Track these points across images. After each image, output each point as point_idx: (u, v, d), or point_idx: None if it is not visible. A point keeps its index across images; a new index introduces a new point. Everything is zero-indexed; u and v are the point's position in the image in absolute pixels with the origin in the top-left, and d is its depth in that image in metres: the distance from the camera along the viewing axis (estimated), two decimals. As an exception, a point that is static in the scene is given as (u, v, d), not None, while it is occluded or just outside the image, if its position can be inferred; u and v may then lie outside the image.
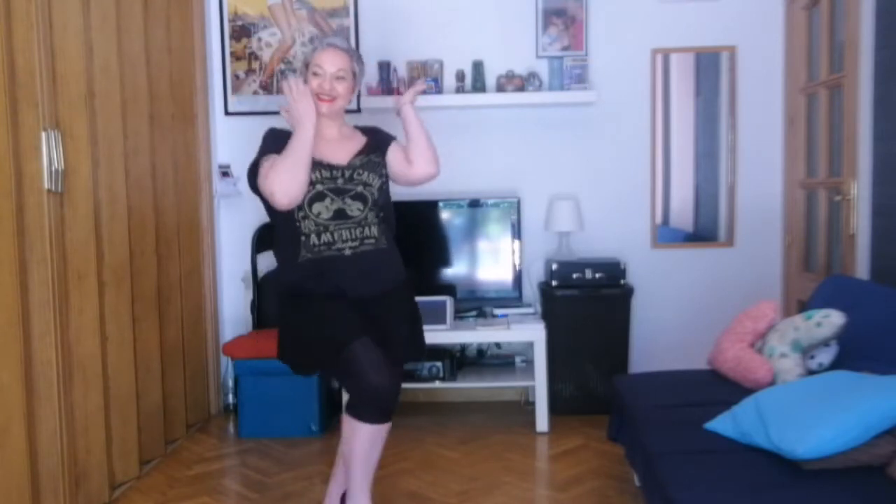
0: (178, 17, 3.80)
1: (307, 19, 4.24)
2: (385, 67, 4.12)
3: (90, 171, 2.91)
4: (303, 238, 2.52)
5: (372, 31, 4.22)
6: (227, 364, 4.25)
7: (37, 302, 2.61)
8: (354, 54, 2.64)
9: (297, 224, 2.52)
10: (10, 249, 2.46)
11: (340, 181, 2.55)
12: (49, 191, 2.65)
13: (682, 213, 4.29)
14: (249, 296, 4.19)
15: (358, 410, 2.46)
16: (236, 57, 4.28)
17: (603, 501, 2.98)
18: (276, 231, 2.63)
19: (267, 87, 4.28)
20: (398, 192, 4.13)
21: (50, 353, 2.65)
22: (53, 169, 2.66)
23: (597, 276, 3.96)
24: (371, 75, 4.18)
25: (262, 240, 4.18)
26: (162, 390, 3.53)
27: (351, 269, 2.53)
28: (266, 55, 4.26)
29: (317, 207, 2.51)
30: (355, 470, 2.52)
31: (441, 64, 4.15)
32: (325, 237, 2.52)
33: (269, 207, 2.57)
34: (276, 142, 2.58)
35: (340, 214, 2.53)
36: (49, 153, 2.64)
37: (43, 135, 2.62)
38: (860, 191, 3.28)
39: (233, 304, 4.36)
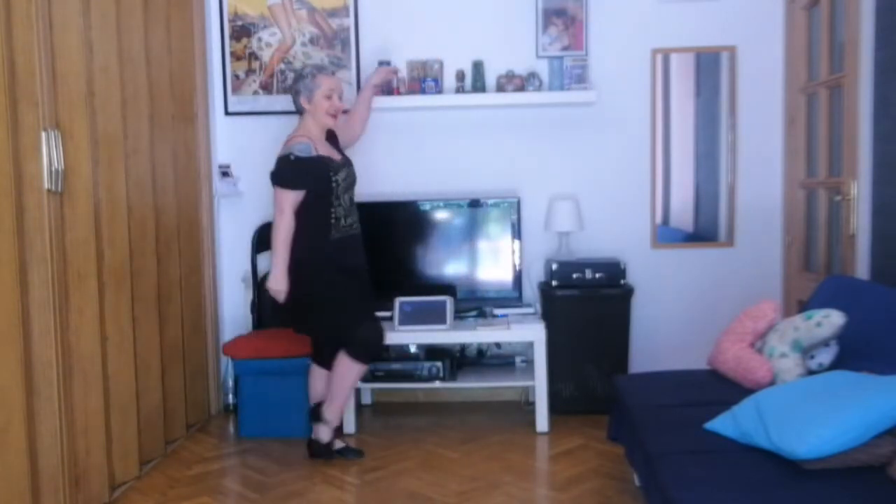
0: (178, 17, 3.80)
1: (307, 19, 4.24)
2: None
3: (90, 171, 2.91)
4: (333, 220, 3.27)
5: (372, 31, 4.22)
6: (227, 364, 4.25)
7: (37, 302, 2.61)
8: None
9: (332, 209, 3.27)
10: (10, 249, 2.46)
11: (350, 177, 3.42)
12: (49, 191, 2.65)
13: (682, 213, 4.29)
14: (249, 296, 4.19)
15: (361, 357, 3.35)
16: (236, 57, 4.28)
17: (603, 501, 2.98)
18: (306, 216, 3.25)
19: (267, 87, 4.28)
20: (398, 192, 4.16)
21: (50, 353, 2.65)
22: (53, 169, 2.66)
23: (597, 276, 3.96)
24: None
25: (262, 240, 4.17)
26: (162, 390, 3.53)
27: (358, 244, 3.42)
28: (266, 55, 4.26)
29: (344, 197, 3.32)
30: (344, 395, 3.45)
31: (441, 64, 4.15)
32: (350, 219, 3.35)
33: (304, 202, 3.26)
34: (305, 176, 3.25)
35: (351, 201, 3.40)
36: (49, 153, 2.64)
37: (43, 135, 2.61)
38: (860, 191, 3.28)
39: (233, 304, 4.36)
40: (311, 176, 3.25)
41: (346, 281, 3.32)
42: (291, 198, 3.24)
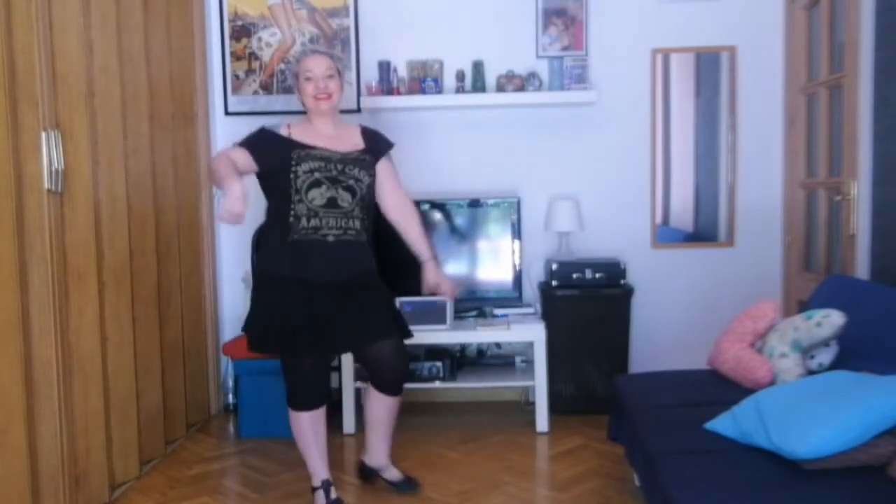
0: (178, 17, 3.80)
1: (307, 19, 4.24)
2: (385, 67, 4.12)
3: (90, 171, 2.91)
4: (292, 220, 2.76)
5: (372, 31, 4.22)
6: (227, 364, 4.25)
7: (37, 302, 2.61)
8: (333, 56, 2.96)
9: (292, 206, 2.76)
10: (10, 249, 2.46)
11: (335, 171, 2.79)
12: (49, 191, 2.65)
13: (682, 213, 4.29)
14: (249, 296, 4.19)
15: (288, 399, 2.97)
16: (236, 57, 4.28)
17: (603, 501, 2.98)
18: (269, 210, 2.87)
19: (267, 87, 4.28)
20: (398, 192, 4.16)
21: (50, 353, 2.65)
22: (53, 169, 2.66)
23: (597, 276, 3.96)
24: (371, 75, 4.18)
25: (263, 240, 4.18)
26: (162, 390, 3.53)
27: (328, 254, 2.78)
28: (266, 55, 4.27)
29: (312, 193, 2.76)
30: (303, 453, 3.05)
31: (441, 64, 4.15)
32: (314, 222, 2.76)
33: (267, 188, 2.84)
34: (258, 141, 2.83)
35: (332, 203, 2.78)
36: (49, 153, 2.64)
37: (43, 135, 2.62)
38: (860, 191, 3.28)
39: (233, 304, 4.36)
40: (262, 145, 2.79)
41: (291, 303, 2.79)
42: (235, 152, 2.76)
